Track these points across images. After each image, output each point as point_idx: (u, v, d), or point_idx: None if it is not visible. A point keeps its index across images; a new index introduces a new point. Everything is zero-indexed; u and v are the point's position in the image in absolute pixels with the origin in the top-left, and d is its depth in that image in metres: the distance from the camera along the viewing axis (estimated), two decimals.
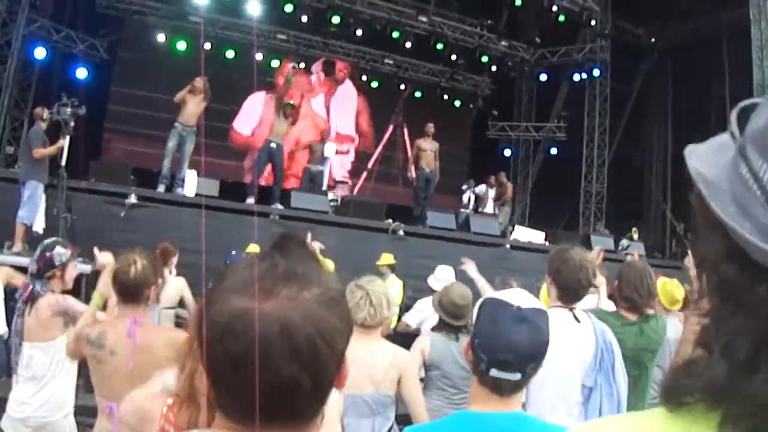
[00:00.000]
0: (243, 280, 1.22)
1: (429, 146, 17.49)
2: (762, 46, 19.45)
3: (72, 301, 5.13)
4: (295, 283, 1.21)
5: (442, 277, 8.94)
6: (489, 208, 20.77)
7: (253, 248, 10.95)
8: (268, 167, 15.92)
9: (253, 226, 12.52)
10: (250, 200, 14.38)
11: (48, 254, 5.25)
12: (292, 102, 16.56)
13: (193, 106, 14.09)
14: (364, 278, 4.60)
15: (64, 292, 5.33)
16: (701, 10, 24.82)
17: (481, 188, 20.95)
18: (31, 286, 5.17)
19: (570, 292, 4.34)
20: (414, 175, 17.56)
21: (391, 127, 26.83)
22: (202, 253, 9.19)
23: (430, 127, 17.61)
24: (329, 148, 18.01)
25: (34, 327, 5.07)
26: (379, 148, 26.28)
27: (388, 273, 11.28)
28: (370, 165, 25.67)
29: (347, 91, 25.98)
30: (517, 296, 2.46)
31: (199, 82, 13.97)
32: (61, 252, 5.30)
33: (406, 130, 26.26)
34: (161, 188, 13.82)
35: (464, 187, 21.50)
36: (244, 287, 1.20)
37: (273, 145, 15.29)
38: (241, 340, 1.15)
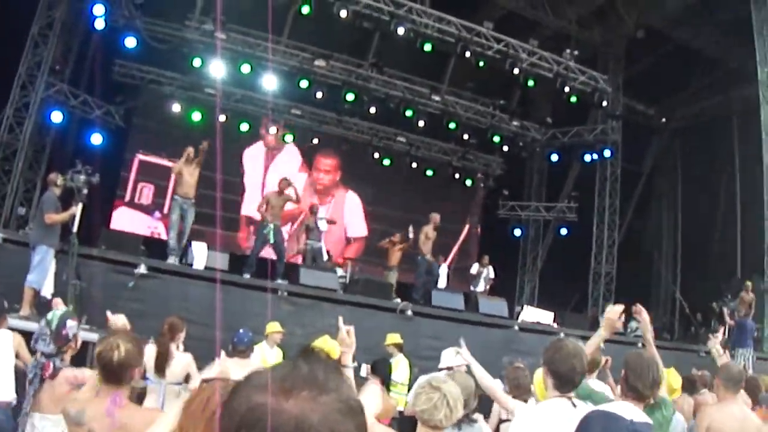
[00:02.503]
0: (265, 379, 1.25)
1: (433, 236, 17.77)
2: None
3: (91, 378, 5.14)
4: (316, 387, 1.23)
5: (452, 361, 8.90)
6: (480, 286, 20.83)
7: (273, 326, 10.96)
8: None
9: (259, 301, 12.53)
10: (247, 276, 14.32)
11: (64, 332, 5.27)
12: (290, 179, 16.66)
13: (188, 177, 14.29)
14: (437, 377, 4.63)
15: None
16: (711, 90, 25.12)
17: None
18: (51, 364, 5.17)
19: (566, 380, 4.40)
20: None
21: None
22: (216, 328, 9.17)
23: (437, 218, 17.95)
24: (322, 223, 18.28)
25: (48, 399, 5.06)
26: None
27: (395, 352, 11.22)
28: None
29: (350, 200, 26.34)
30: (624, 409, 2.47)
31: (189, 151, 14.18)
32: (71, 325, 5.34)
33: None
34: (172, 260, 13.85)
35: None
36: (265, 386, 1.23)
37: (272, 224, 15.31)
38: None
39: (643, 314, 5.80)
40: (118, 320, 5.02)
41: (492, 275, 21.06)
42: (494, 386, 5.94)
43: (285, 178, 16.22)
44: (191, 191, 14.45)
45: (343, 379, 1.32)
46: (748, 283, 18.44)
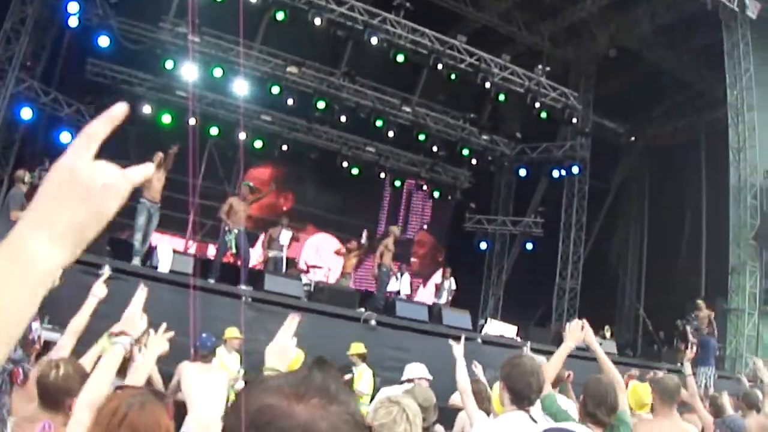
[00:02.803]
0: (278, 383, 1.29)
1: (393, 248, 17.94)
2: (739, 148, 19.97)
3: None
4: (327, 396, 1.26)
5: (413, 374, 8.90)
6: (443, 298, 20.85)
7: (232, 332, 10.90)
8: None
9: (223, 306, 12.49)
10: (211, 281, 14.28)
11: (30, 336, 5.19)
12: (251, 184, 16.55)
13: (156, 181, 14.34)
14: (395, 392, 4.66)
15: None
16: (681, 111, 25.46)
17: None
18: (21, 371, 5.10)
19: (522, 397, 4.52)
20: (377, 271, 18.06)
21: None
22: (185, 333, 9.13)
23: (396, 231, 18.20)
24: (284, 237, 18.33)
25: (19, 401, 5.00)
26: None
27: (358, 362, 11.18)
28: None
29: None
30: (581, 429, 2.50)
31: (160, 156, 14.16)
32: (36, 327, 5.28)
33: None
34: (136, 261, 13.82)
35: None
36: (279, 389, 1.26)
37: (235, 230, 15.26)
38: None
39: (586, 328, 5.83)
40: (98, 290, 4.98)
41: (453, 287, 21.10)
42: (468, 390, 6.01)
43: (248, 183, 16.21)
44: (158, 195, 14.50)
45: (353, 394, 1.36)
46: (699, 302, 18.69)
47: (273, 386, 1.27)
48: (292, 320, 2.97)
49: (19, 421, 4.08)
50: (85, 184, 1.14)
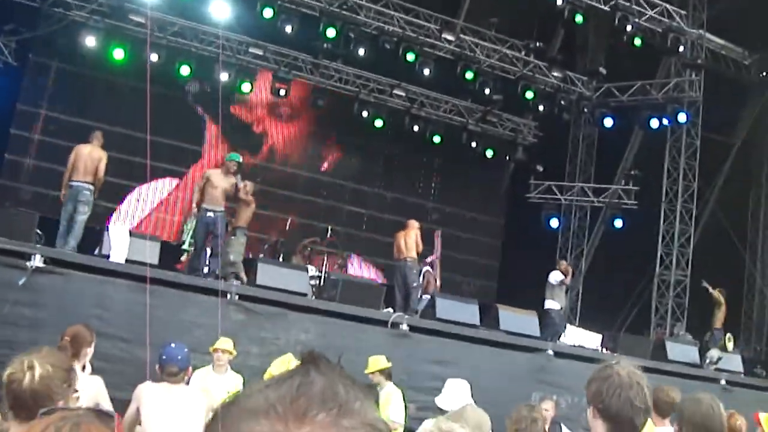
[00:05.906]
0: (266, 399, 1.19)
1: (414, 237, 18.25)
2: None
3: None
4: (336, 407, 1.17)
5: (453, 394, 8.78)
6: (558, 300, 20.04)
7: (222, 342, 10.89)
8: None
9: (203, 307, 12.48)
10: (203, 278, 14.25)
11: None
12: (237, 156, 16.37)
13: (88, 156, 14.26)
14: (443, 419, 4.52)
15: None
16: None
17: (555, 276, 20.35)
18: None
19: (621, 421, 3.91)
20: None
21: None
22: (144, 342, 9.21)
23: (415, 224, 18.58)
24: None
25: None
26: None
27: (382, 382, 11.05)
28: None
29: None
30: None
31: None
32: None
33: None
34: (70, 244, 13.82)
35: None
36: (269, 408, 1.17)
37: (210, 214, 15.23)
38: None
39: None
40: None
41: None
42: None
43: (236, 159, 15.96)
44: (88, 177, 14.43)
45: (366, 393, 1.27)
46: None
47: (259, 406, 1.17)
48: None
49: None
50: None
